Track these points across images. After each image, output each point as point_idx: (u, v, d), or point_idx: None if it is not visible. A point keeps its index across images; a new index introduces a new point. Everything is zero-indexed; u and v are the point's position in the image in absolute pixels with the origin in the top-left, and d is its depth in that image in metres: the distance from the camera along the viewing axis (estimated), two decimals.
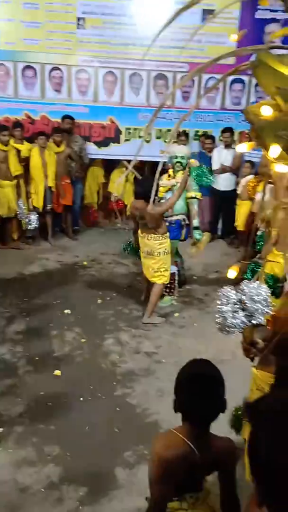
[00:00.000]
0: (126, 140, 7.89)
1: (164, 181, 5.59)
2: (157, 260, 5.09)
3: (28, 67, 7.44)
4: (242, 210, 7.08)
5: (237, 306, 2.20)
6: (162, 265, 5.12)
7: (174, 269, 5.56)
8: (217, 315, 2.28)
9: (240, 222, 7.19)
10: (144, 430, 3.57)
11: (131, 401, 3.91)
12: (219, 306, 2.24)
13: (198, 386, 1.85)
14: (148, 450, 3.32)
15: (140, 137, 7.81)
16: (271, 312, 2.25)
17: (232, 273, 2.43)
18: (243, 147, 2.68)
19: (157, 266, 5.11)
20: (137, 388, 4.07)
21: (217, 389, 1.86)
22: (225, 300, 2.22)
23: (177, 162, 5.53)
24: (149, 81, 7.71)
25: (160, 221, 5.06)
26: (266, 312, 2.20)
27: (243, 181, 7.14)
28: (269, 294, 2.27)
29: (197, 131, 8.01)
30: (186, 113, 1.90)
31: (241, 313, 2.19)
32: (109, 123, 7.80)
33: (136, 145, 7.82)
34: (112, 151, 7.90)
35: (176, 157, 5.56)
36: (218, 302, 2.28)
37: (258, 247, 4.91)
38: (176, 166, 5.55)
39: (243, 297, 2.20)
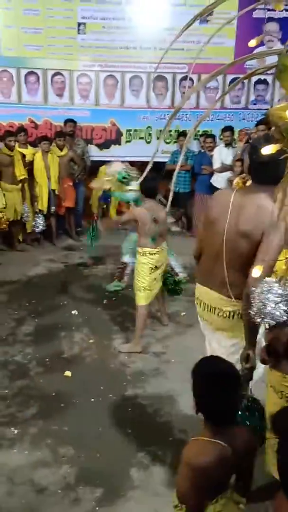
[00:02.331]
0: (127, 141, 8.00)
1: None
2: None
3: (30, 73, 7.56)
4: None
5: (280, 298, 2.12)
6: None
7: (129, 259, 5.57)
8: (256, 300, 2.17)
9: None
10: (156, 430, 3.62)
11: (142, 402, 3.94)
12: (262, 292, 2.13)
13: (221, 384, 1.84)
14: (161, 451, 3.40)
15: (141, 138, 7.93)
16: None
17: (256, 272, 2.30)
18: (268, 149, 2.71)
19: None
20: (148, 389, 4.12)
21: (238, 384, 1.89)
22: (267, 290, 2.12)
23: (123, 178, 5.23)
24: (149, 83, 7.80)
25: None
26: None
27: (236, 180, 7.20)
28: None
29: (197, 131, 8.08)
30: (204, 115, 1.95)
31: (282, 306, 2.11)
32: (110, 125, 7.90)
33: (137, 146, 7.96)
34: (113, 153, 8.00)
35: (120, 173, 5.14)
36: (259, 289, 2.18)
37: None
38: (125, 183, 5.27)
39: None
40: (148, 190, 4.59)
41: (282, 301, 2.13)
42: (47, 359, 4.50)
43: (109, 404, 3.92)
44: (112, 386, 4.14)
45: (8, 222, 6.96)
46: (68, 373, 4.30)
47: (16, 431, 3.58)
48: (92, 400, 3.97)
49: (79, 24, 7.50)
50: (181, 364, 4.38)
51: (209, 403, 1.86)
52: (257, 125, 6.97)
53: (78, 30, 7.51)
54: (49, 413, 3.78)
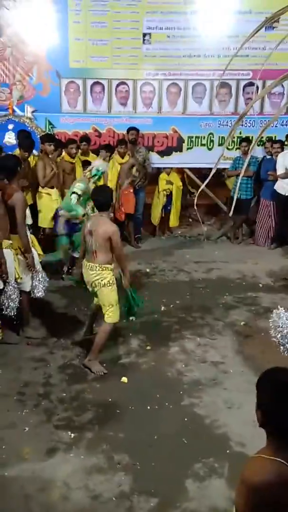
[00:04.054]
0: (189, 148, 7.98)
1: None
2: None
3: (96, 83, 7.75)
4: None
5: None
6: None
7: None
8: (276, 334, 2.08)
9: None
10: (213, 442, 3.54)
11: (199, 412, 3.88)
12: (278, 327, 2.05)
13: None
14: (218, 463, 3.33)
15: (202, 145, 7.90)
16: None
17: None
18: None
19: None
20: (205, 399, 4.04)
21: None
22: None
23: (94, 175, 5.94)
24: (212, 90, 7.77)
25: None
26: None
27: None
28: None
29: (262, 137, 7.94)
30: (269, 122, 1.90)
31: None
32: (171, 132, 7.92)
33: (199, 153, 7.94)
34: (174, 160, 8.02)
35: (98, 170, 5.97)
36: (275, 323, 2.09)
37: None
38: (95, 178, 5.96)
39: None
40: (97, 203, 4.54)
41: None
42: (104, 364, 4.51)
43: (165, 412, 3.89)
44: (169, 394, 4.10)
45: None
46: (124, 379, 4.31)
47: (72, 435, 3.62)
48: (148, 407, 3.94)
49: (144, 35, 7.60)
50: (239, 375, 4.29)
51: (277, 416, 1.71)
52: None
53: (143, 40, 7.62)
54: (105, 419, 3.80)
